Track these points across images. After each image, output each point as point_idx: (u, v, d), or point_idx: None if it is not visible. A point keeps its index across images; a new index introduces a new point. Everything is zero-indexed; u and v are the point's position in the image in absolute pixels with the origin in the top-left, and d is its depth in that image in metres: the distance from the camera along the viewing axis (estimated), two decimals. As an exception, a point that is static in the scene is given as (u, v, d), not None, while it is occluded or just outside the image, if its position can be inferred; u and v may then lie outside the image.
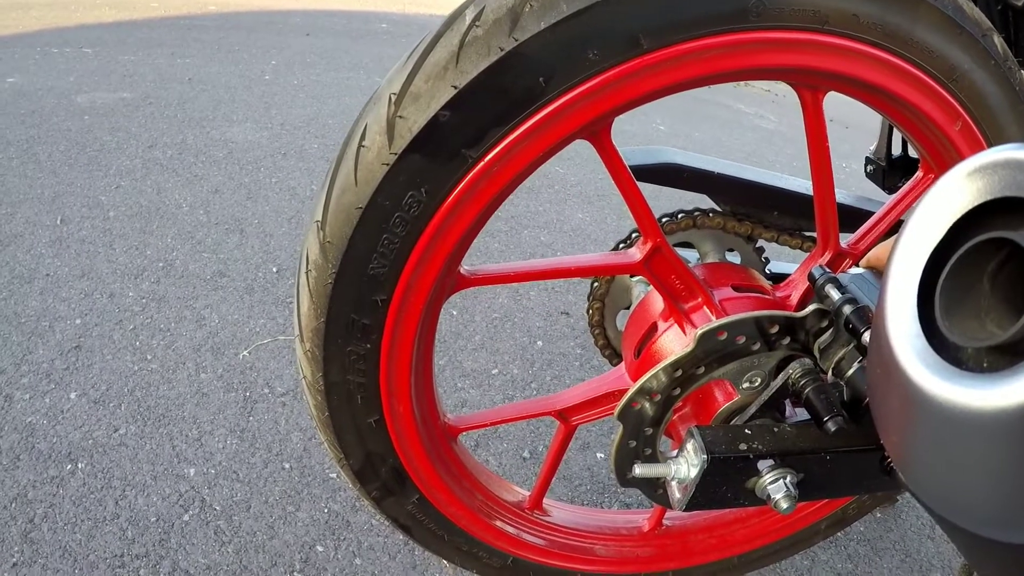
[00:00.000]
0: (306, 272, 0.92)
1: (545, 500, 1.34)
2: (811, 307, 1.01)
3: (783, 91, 7.25)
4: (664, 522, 1.42)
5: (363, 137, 0.84)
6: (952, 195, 0.67)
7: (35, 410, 1.72)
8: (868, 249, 1.14)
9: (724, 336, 1.01)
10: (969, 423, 0.59)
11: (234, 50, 4.70)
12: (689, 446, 0.98)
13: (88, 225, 2.50)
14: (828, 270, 1.03)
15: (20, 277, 2.18)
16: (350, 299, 0.92)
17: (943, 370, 0.62)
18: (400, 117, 0.81)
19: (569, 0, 0.77)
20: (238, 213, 2.73)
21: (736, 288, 1.15)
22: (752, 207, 1.34)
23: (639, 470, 1.01)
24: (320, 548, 1.49)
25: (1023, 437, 0.56)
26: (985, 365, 0.62)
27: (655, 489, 1.15)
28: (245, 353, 1.98)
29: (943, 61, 0.94)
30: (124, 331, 2.01)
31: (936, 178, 0.81)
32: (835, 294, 0.98)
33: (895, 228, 1.10)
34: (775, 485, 0.96)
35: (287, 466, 1.65)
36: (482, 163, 0.84)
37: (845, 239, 1.15)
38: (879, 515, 1.86)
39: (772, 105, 6.60)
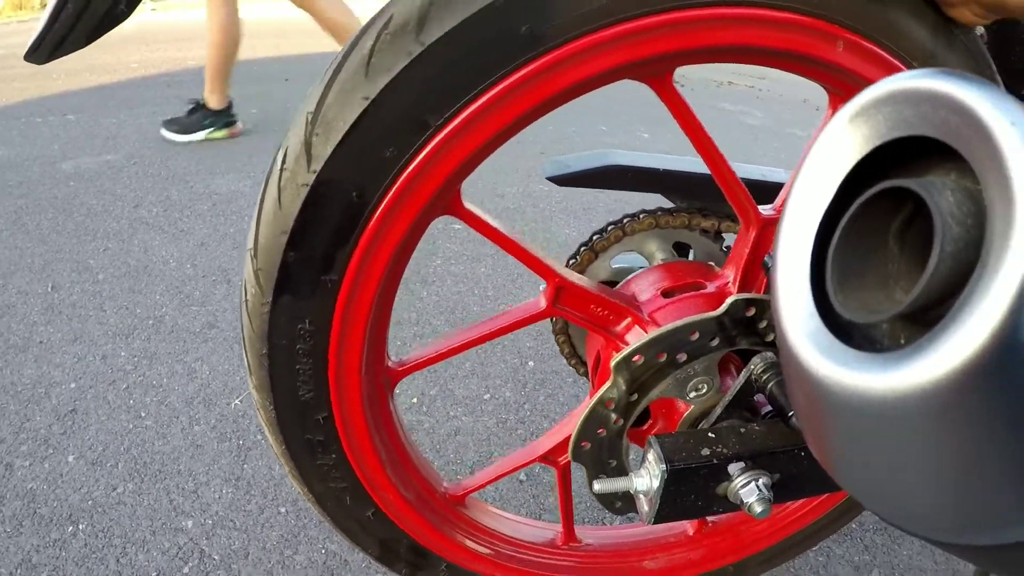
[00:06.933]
0: (259, 411, 1.00)
1: (578, 530, 1.33)
2: (728, 301, 0.96)
3: (766, 86, 7.28)
4: (709, 521, 1.39)
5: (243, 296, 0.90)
6: (837, 148, 0.57)
7: (35, 476, 1.74)
8: None
9: (641, 360, 0.97)
10: (878, 412, 0.49)
11: (215, 102, 4.73)
12: (650, 456, 0.94)
13: (78, 290, 2.54)
14: None
15: (15, 347, 2.21)
16: (297, 425, 0.99)
17: (837, 352, 0.52)
18: (260, 271, 0.86)
19: (344, 116, 0.78)
20: (224, 264, 2.75)
21: (666, 293, 1.11)
22: (705, 199, 1.28)
23: (598, 487, 0.97)
24: (320, 588, 1.51)
25: (954, 417, 0.46)
26: (902, 341, 0.53)
27: None
28: (237, 402, 2.00)
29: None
30: (118, 391, 2.03)
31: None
32: None
33: None
34: (747, 489, 0.92)
35: (283, 510, 1.66)
36: (344, 284, 0.87)
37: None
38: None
39: (757, 101, 6.60)
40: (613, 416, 1.02)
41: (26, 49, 0.81)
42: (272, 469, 1.77)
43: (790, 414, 0.91)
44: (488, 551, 1.24)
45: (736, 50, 0.86)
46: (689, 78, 7.12)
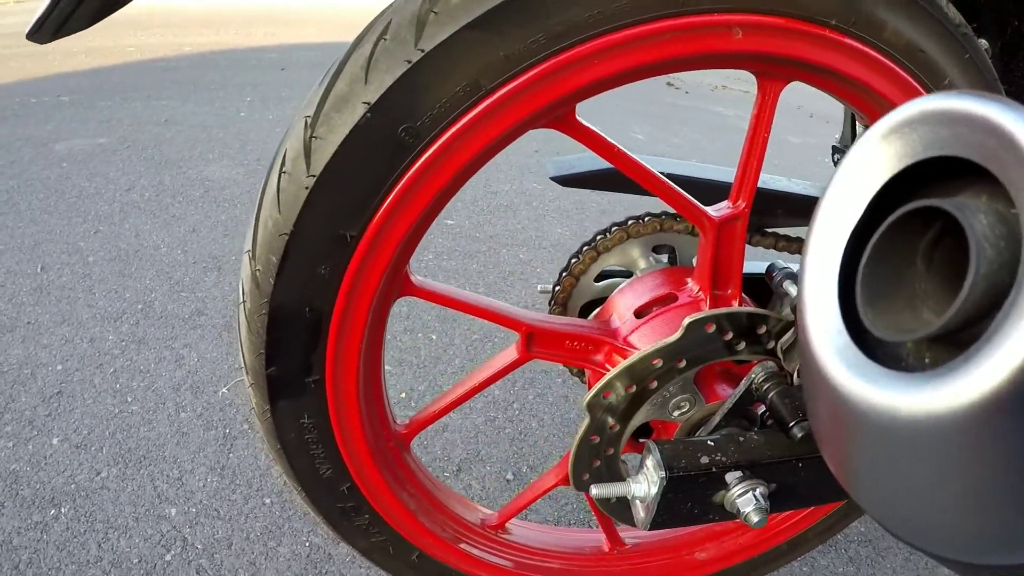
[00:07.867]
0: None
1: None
2: (684, 323, 0.94)
3: (762, 96, 7.26)
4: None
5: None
6: (869, 164, 0.56)
7: (18, 457, 1.73)
8: None
9: (611, 396, 0.97)
10: (907, 432, 0.48)
11: (210, 89, 4.73)
12: (648, 462, 0.93)
13: (68, 272, 2.52)
14: (787, 265, 0.97)
15: (2, 326, 2.20)
16: (327, 496, 1.04)
17: (868, 370, 0.52)
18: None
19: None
20: (215, 251, 2.74)
21: (639, 313, 1.10)
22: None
23: (595, 491, 0.96)
24: (303, 580, 1.50)
25: (982, 440, 0.46)
26: (927, 361, 0.52)
27: None
28: (224, 390, 1.99)
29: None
30: (105, 375, 2.02)
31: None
32: (794, 290, 0.91)
33: None
34: (744, 498, 0.91)
35: (268, 501, 1.66)
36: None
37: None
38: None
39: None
40: (603, 447, 1.03)
41: (29, 28, 0.80)
42: (257, 459, 1.76)
43: (791, 424, 0.90)
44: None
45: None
46: (684, 81, 7.13)
